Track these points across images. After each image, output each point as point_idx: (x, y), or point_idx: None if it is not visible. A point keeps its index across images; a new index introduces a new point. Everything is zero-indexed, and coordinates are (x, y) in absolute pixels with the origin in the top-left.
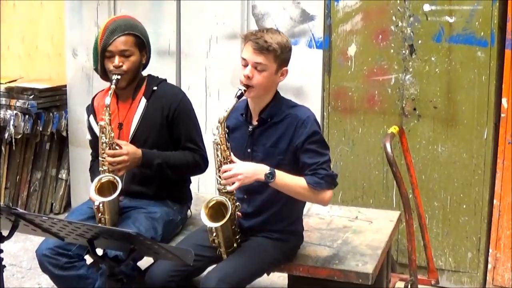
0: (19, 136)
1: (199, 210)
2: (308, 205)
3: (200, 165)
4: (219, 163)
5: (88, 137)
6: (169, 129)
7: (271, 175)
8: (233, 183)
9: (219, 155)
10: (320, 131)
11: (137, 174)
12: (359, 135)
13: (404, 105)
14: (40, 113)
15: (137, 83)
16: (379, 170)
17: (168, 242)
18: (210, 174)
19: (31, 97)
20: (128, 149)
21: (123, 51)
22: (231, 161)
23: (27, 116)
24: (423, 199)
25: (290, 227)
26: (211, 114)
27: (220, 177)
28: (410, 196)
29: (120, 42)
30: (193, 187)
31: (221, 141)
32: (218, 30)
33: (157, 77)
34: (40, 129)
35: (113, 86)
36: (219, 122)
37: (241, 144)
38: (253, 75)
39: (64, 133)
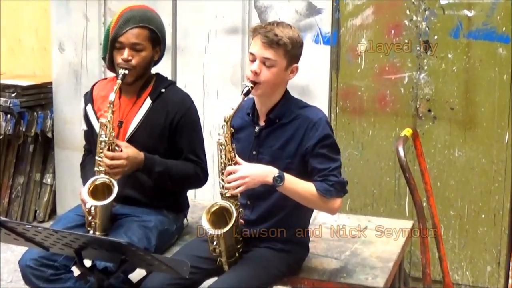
0: (0, 137)
1: (196, 218)
2: (314, 214)
3: (200, 178)
4: (222, 165)
5: (84, 127)
6: (171, 136)
7: (280, 178)
8: (238, 187)
9: (223, 156)
10: (332, 134)
11: (131, 178)
12: (369, 138)
13: (418, 106)
14: (23, 113)
15: (144, 81)
16: (390, 176)
17: (163, 253)
18: (207, 181)
19: (13, 95)
20: (128, 153)
21: (135, 45)
22: (236, 163)
23: (9, 116)
24: (438, 207)
25: (296, 237)
26: (209, 115)
27: (223, 180)
28: (424, 204)
29: (133, 35)
30: (189, 194)
31: (225, 141)
32: (217, 24)
33: (166, 78)
34: (23, 129)
35: (119, 81)
36: (224, 121)
37: (246, 146)
38: (261, 71)
39: (49, 134)
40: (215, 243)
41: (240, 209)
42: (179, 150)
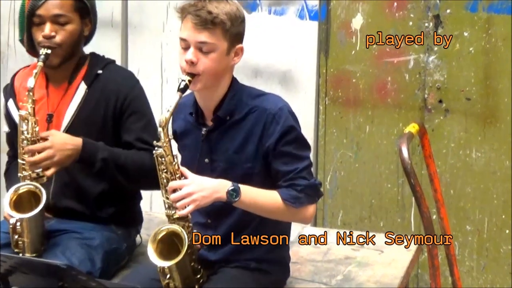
0: None
1: (151, 235)
2: (297, 229)
3: None
4: (165, 180)
5: (5, 129)
6: (115, 126)
7: (235, 192)
8: (185, 207)
9: (165, 170)
10: (297, 125)
11: (69, 185)
12: (366, 136)
13: (426, 96)
14: None
15: (76, 63)
16: (392, 182)
17: (110, 278)
18: None
19: None
20: (53, 140)
21: (57, 17)
22: (182, 176)
23: None
24: (451, 221)
25: (272, 254)
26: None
27: (168, 198)
28: (434, 217)
29: (53, 5)
30: (144, 205)
31: (164, 151)
32: None
33: (103, 56)
34: None
35: (40, 63)
36: (159, 126)
37: (194, 154)
38: (198, 60)
39: None
40: (167, 276)
41: (195, 231)
42: (127, 142)
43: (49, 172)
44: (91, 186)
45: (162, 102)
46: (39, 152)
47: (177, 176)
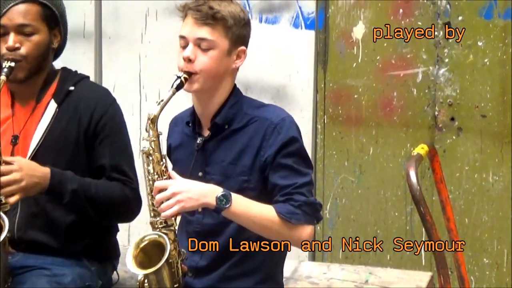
0: None
1: (130, 272)
2: (294, 264)
3: (130, 203)
4: (151, 182)
5: None
6: (88, 148)
7: (225, 199)
8: (171, 208)
9: (151, 170)
10: (300, 138)
11: (36, 215)
12: (370, 159)
13: (437, 113)
14: None
15: (44, 78)
16: (400, 210)
17: None
18: (144, 216)
19: None
20: (22, 165)
21: (22, 27)
22: (169, 178)
23: None
24: (467, 253)
25: (263, 286)
26: None
27: (153, 204)
28: None
29: (18, 14)
30: (120, 237)
31: (153, 148)
32: (158, 2)
33: (76, 72)
34: None
35: (3, 77)
36: (148, 119)
37: (187, 165)
38: (196, 57)
39: None
40: None
41: (183, 250)
42: (100, 168)
43: (13, 199)
44: (61, 216)
45: (141, 122)
46: (4, 175)
47: (164, 178)
